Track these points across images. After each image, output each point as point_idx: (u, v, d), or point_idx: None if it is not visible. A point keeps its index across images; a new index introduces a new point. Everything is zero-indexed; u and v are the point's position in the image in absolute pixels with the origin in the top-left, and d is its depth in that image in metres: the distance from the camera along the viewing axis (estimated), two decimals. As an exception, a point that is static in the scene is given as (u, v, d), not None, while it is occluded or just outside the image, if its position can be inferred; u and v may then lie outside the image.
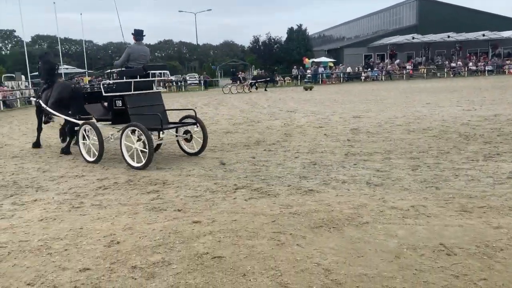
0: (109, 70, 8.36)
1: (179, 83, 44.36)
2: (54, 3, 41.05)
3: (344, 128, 10.33)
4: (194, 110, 7.81)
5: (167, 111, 7.90)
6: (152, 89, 7.96)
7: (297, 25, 52.52)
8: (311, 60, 46.71)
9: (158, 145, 8.05)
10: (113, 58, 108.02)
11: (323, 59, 48.60)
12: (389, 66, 44.42)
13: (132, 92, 7.41)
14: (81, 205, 5.00)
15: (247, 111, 16.23)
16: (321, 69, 43.39)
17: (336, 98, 20.86)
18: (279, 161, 6.92)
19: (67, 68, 54.69)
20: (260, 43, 52.33)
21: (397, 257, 3.30)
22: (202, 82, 43.83)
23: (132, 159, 6.97)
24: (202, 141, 7.63)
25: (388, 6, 57.21)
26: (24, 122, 16.01)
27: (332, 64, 46.57)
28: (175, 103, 22.83)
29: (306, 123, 11.59)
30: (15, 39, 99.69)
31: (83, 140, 7.77)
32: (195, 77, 53.61)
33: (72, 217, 4.59)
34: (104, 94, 7.64)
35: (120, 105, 7.42)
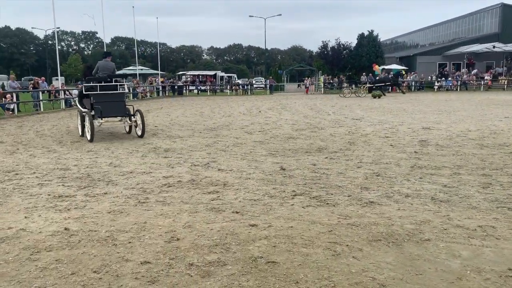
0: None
1: (245, 87, 45.10)
2: (133, 7, 43.32)
3: (412, 139, 9.96)
4: (133, 106, 11.73)
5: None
6: (117, 90, 11.54)
7: (368, 31, 51.30)
8: (381, 67, 45.45)
9: (130, 127, 12.05)
10: (185, 61, 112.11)
11: (394, 66, 47.09)
12: (465, 76, 42.07)
13: (98, 92, 11.08)
14: (146, 201, 5.25)
15: (310, 117, 16.14)
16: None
17: (406, 108, 20.14)
18: (341, 170, 6.82)
19: (141, 69, 57.63)
20: (329, 48, 51.74)
21: (459, 278, 3.14)
22: (268, 86, 44.22)
23: (88, 135, 10.70)
24: (141, 127, 11.11)
25: (468, 13, 54.29)
26: (101, 118, 17.06)
27: (403, 72, 45.00)
28: (240, 106, 23.24)
29: (371, 132, 11.31)
30: (97, 40, 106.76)
31: (82, 122, 11.32)
32: (261, 81, 54.20)
33: (138, 211, 4.84)
34: (84, 93, 11.49)
35: (91, 100, 11.12)
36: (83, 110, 11.44)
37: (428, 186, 5.75)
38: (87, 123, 10.80)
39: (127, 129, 12.21)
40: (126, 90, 12.48)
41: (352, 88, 32.07)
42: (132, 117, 11.32)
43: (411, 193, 5.39)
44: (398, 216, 4.52)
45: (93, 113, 10.90)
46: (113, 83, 11.48)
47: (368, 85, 33.60)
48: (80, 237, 4.07)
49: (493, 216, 4.46)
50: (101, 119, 10.97)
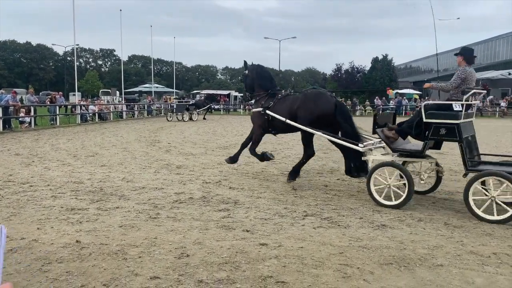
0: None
1: (259, 107, 45.33)
2: (151, 26, 44.21)
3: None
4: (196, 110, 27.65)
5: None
6: (182, 102, 32.88)
7: (383, 55, 51.57)
8: (395, 91, 45.39)
9: (190, 117, 28.51)
10: (199, 80, 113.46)
11: (408, 90, 47.05)
12: (478, 102, 41.73)
13: (176, 103, 33.23)
14: (157, 216, 5.27)
15: (323, 139, 16.08)
16: (405, 101, 41.96)
17: (419, 132, 20.00)
18: (353, 192, 6.78)
19: (157, 87, 58.38)
20: (343, 71, 52.01)
21: (472, 306, 3.07)
22: (281, 107, 44.32)
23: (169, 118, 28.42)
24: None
25: (483, 40, 54.30)
26: (114, 134, 17.29)
27: (417, 97, 44.90)
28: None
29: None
30: (114, 58, 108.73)
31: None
32: (275, 102, 54.21)
33: (149, 226, 4.86)
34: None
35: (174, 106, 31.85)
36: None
37: (441, 211, 5.68)
38: (169, 113, 28.73)
39: (191, 118, 27.58)
40: (190, 102, 29.90)
41: None
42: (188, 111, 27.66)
43: (424, 218, 5.32)
44: (410, 240, 4.47)
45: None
46: (183, 99, 34.36)
47: None
48: (91, 250, 4.09)
49: (508, 244, 4.38)
50: (173, 113, 27.97)
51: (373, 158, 6.26)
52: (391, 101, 42.75)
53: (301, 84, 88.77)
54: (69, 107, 27.06)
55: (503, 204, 5.16)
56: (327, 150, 12.43)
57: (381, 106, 40.65)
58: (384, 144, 6.27)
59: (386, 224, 5.04)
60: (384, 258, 3.95)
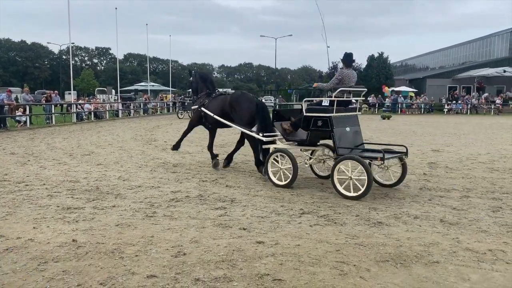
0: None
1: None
2: (146, 24, 44.05)
3: (421, 161, 9.90)
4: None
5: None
6: (185, 102, 32.99)
7: (378, 53, 51.62)
8: (390, 89, 45.47)
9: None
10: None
11: (404, 88, 47.12)
12: (473, 100, 41.88)
13: (183, 101, 35.22)
14: (154, 215, 5.27)
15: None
16: (400, 99, 42.02)
17: (416, 130, 20.07)
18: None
19: (153, 85, 58.20)
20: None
21: (468, 302, 3.09)
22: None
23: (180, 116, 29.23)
24: None
25: (478, 37, 54.49)
26: (111, 133, 17.24)
27: (413, 94, 44.99)
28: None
29: (380, 153, 11.25)
30: (110, 56, 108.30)
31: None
32: (271, 100, 54.52)
33: (145, 225, 4.86)
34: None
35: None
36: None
37: (437, 208, 5.70)
38: (179, 111, 29.43)
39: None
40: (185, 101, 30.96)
41: None
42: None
43: (420, 215, 5.34)
44: (406, 237, 4.49)
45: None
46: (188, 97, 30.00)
47: None
48: (87, 249, 4.08)
49: (503, 240, 4.40)
50: (183, 111, 28.47)
51: (274, 146, 7.25)
52: (387, 99, 42.85)
53: (297, 82, 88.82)
54: (64, 105, 26.94)
55: (358, 183, 6.11)
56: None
57: (377, 103, 40.76)
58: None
59: (382, 221, 5.06)
60: (380, 255, 3.96)
